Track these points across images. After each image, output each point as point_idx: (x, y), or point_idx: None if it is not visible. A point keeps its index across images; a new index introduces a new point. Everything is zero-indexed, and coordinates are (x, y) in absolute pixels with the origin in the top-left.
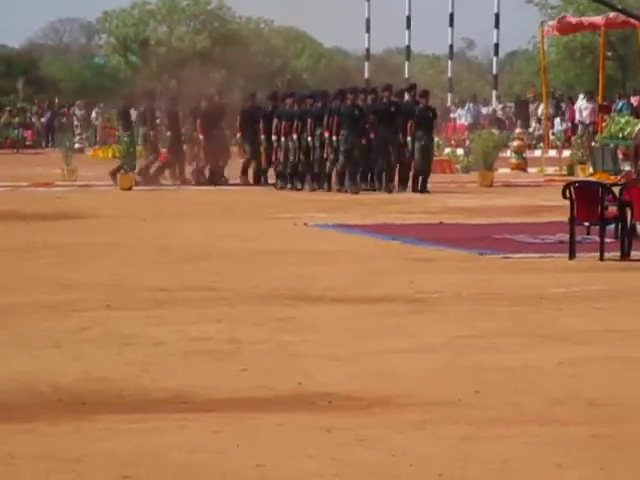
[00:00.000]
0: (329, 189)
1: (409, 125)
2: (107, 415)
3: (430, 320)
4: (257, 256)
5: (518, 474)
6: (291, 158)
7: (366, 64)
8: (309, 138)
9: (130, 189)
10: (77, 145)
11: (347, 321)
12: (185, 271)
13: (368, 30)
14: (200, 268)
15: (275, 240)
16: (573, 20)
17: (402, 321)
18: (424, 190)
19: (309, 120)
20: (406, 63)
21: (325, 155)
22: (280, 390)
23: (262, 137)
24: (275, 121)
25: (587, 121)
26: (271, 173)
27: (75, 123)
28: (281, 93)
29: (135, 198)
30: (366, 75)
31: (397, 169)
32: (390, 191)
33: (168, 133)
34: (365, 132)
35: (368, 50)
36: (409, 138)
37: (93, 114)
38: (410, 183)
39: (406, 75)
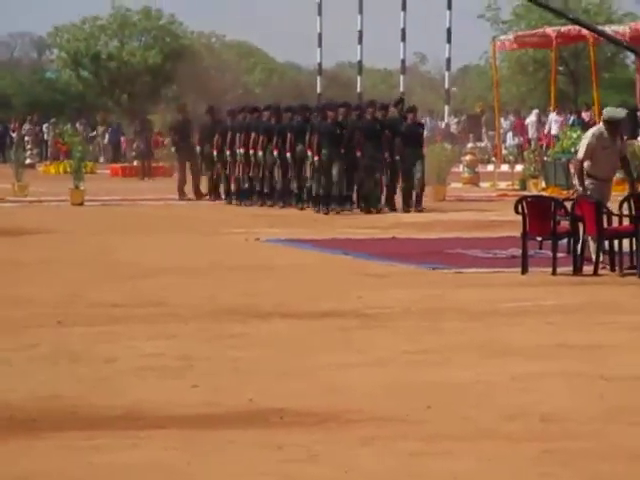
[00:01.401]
0: (302, 208)
1: (396, 142)
2: (58, 432)
3: (380, 335)
4: (209, 272)
5: None
6: (268, 173)
7: (318, 79)
8: (287, 154)
9: (82, 204)
10: (28, 160)
11: (298, 336)
12: (137, 287)
13: (320, 45)
14: (152, 284)
15: (227, 255)
16: (529, 34)
17: (352, 336)
18: (419, 208)
19: (289, 135)
20: (358, 77)
21: (304, 173)
22: (231, 406)
23: (214, 152)
24: (253, 135)
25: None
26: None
27: (26, 138)
28: (237, 108)
29: (87, 213)
30: (318, 90)
31: (400, 188)
32: (379, 211)
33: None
34: (349, 150)
35: (320, 65)
36: (397, 157)
37: (44, 129)
38: (401, 201)
39: (358, 90)
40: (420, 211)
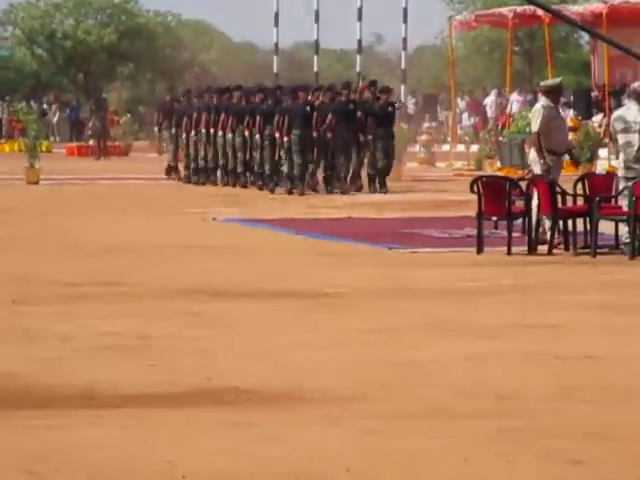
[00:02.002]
0: (272, 190)
1: (369, 123)
2: (14, 411)
3: (337, 315)
4: (166, 251)
5: (425, 468)
6: (239, 155)
7: (275, 58)
8: (257, 136)
9: (37, 183)
10: None
11: (255, 316)
12: (93, 266)
13: (277, 24)
14: (108, 263)
15: (183, 235)
16: (488, 13)
17: (309, 316)
18: (383, 189)
19: (258, 117)
20: (315, 57)
21: (276, 155)
22: (188, 385)
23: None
24: (222, 116)
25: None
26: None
27: None
28: (204, 88)
29: (42, 192)
30: (275, 69)
31: (367, 169)
32: (346, 192)
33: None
34: (320, 131)
35: (277, 44)
36: (370, 136)
37: None
38: (367, 183)
39: (315, 69)
40: (386, 193)
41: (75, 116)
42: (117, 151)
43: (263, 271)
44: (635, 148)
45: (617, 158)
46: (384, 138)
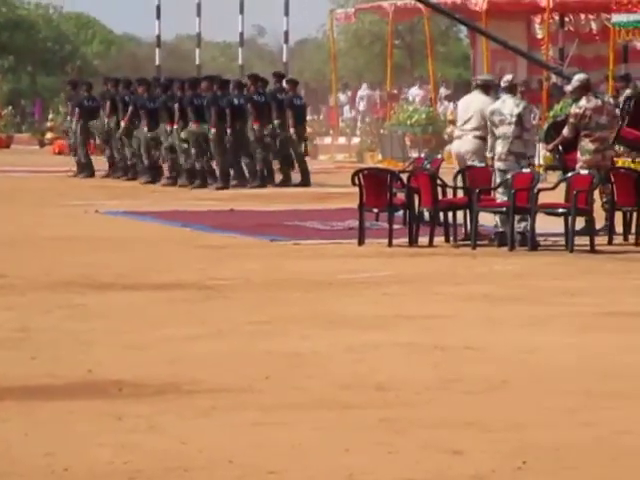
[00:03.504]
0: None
1: (288, 116)
2: None
3: (220, 306)
4: (47, 243)
5: (307, 459)
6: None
7: (157, 51)
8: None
9: None
10: None
11: (138, 308)
12: None
13: (159, 17)
14: None
15: (66, 227)
16: (368, 7)
17: (193, 308)
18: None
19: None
20: (197, 50)
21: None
22: (70, 378)
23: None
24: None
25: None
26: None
27: None
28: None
29: None
30: (157, 62)
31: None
32: (264, 186)
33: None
34: (235, 125)
35: (159, 37)
36: (292, 130)
37: None
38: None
39: (197, 62)
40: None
41: None
42: None
43: (147, 263)
44: (510, 140)
45: (491, 151)
46: (291, 130)
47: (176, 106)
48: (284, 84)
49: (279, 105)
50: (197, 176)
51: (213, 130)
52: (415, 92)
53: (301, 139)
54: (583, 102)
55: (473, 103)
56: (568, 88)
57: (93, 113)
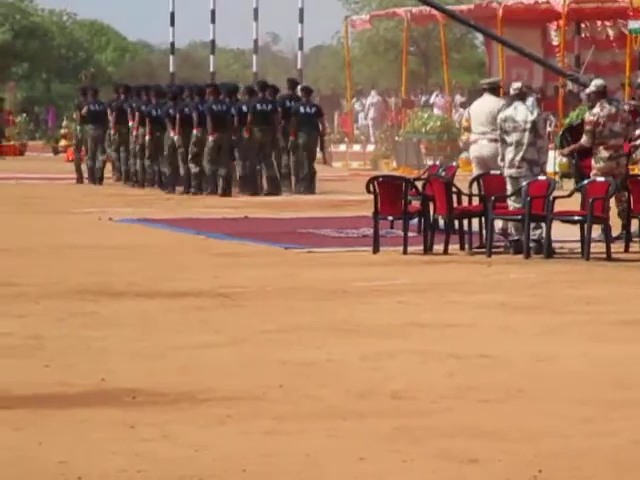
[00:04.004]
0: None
1: (290, 123)
2: None
3: (234, 315)
4: (61, 251)
5: (321, 468)
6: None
7: (171, 58)
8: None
9: None
10: None
11: (151, 316)
12: None
13: (173, 24)
14: (2, 263)
15: (79, 235)
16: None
17: (207, 316)
18: (312, 191)
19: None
20: (211, 57)
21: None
22: (83, 386)
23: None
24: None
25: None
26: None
27: None
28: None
29: None
30: (171, 69)
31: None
32: (266, 194)
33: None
34: (238, 132)
35: (173, 44)
36: (291, 138)
37: None
38: (293, 184)
39: (211, 69)
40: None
41: None
42: (12, 151)
43: (161, 271)
44: (524, 147)
45: (502, 159)
46: (303, 139)
47: (194, 114)
48: (298, 91)
49: (286, 112)
50: (210, 183)
51: (211, 138)
52: (438, 101)
53: (307, 148)
54: (597, 109)
55: (485, 105)
56: (586, 92)
57: (97, 117)
